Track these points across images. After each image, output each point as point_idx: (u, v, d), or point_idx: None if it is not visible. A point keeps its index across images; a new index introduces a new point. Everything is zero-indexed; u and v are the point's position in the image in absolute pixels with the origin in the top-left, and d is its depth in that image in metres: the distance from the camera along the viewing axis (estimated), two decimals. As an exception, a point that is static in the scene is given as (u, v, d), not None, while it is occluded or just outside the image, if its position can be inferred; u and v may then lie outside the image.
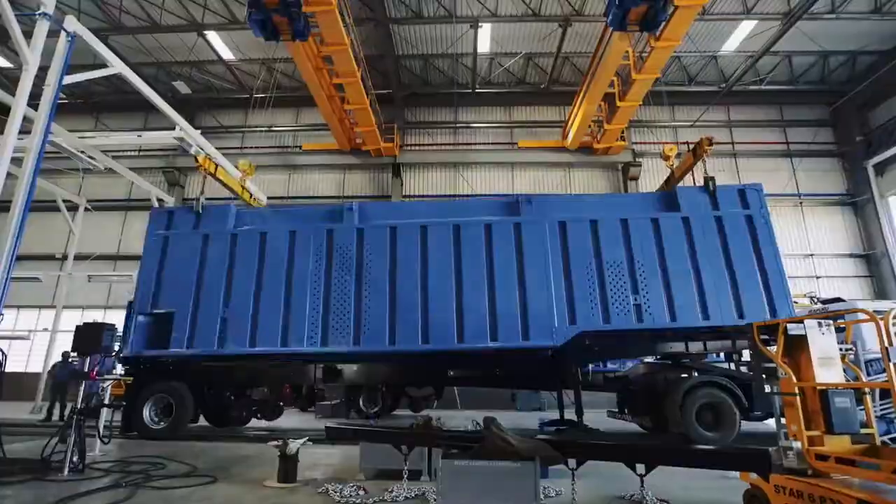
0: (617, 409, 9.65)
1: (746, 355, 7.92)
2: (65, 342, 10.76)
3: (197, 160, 12.00)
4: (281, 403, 10.80)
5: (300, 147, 19.25)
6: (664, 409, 7.80)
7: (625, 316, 7.95)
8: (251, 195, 15.06)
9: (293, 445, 5.10)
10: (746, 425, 8.13)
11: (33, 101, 7.68)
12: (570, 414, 8.79)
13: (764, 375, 4.07)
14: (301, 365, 8.46)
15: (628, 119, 16.27)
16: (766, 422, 11.08)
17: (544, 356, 7.97)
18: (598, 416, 12.82)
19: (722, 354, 8.92)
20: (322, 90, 14.74)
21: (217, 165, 12.67)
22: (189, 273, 8.71)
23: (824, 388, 3.66)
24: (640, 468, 4.02)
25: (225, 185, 13.33)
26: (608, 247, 8.31)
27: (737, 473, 5.02)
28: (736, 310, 7.90)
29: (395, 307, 8.26)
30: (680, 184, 12.64)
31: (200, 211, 9.15)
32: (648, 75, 13.50)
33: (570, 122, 17.10)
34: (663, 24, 11.74)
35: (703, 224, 8.36)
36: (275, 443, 5.23)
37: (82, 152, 12.12)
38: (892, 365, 3.25)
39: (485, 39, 16.35)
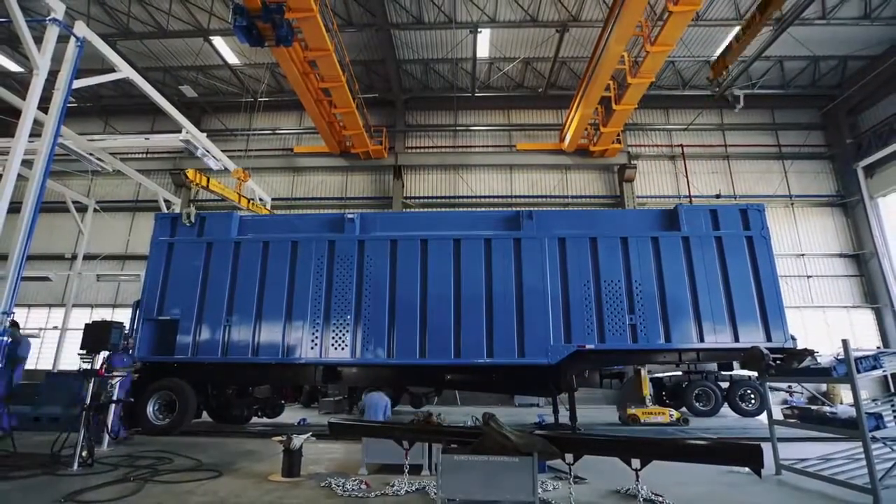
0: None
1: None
2: (74, 340, 10.76)
3: (187, 175, 12.02)
4: (283, 401, 10.77)
5: (304, 149, 19.28)
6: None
7: (620, 336, 7.94)
8: (250, 200, 15.10)
9: (297, 441, 5.10)
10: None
11: (44, 104, 7.68)
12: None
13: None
14: (302, 367, 8.48)
15: (624, 122, 16.27)
16: (757, 417, 11.13)
17: (539, 365, 8.00)
18: (597, 411, 12.84)
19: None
20: (309, 94, 14.69)
21: (209, 178, 12.72)
22: (193, 280, 8.70)
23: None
24: (636, 463, 4.03)
25: (219, 193, 13.35)
26: (607, 265, 8.25)
27: (736, 468, 5.04)
28: (732, 333, 7.88)
29: (395, 320, 8.26)
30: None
31: (188, 223, 8.98)
32: (643, 79, 13.51)
33: (567, 125, 17.09)
34: (659, 29, 11.69)
35: (702, 244, 8.29)
36: (279, 438, 5.23)
37: (91, 154, 12.12)
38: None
39: (484, 44, 16.34)
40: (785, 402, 13.51)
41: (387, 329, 8.21)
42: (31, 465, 5.38)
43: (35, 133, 7.65)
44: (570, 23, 15.17)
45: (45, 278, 15.25)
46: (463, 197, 18.28)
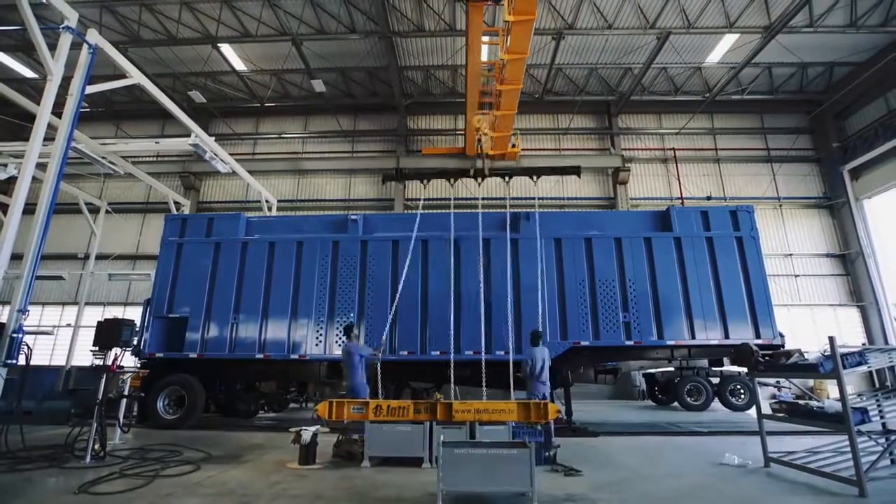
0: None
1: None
2: (87, 337, 10.75)
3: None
4: (288, 396, 10.73)
5: (309, 153, 19.29)
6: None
7: (614, 333, 7.98)
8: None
9: (306, 435, 5.17)
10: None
11: (57, 109, 7.68)
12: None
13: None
14: (307, 363, 8.48)
15: (510, 127, 15.66)
16: (747, 412, 11.13)
17: None
18: (595, 406, 12.85)
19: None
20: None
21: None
22: (202, 279, 8.72)
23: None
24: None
25: None
26: (601, 265, 8.28)
27: (726, 460, 5.04)
28: (722, 330, 7.91)
29: (396, 318, 8.24)
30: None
31: None
32: (511, 86, 13.25)
33: (465, 131, 16.72)
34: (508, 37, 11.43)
35: (694, 245, 8.33)
36: (296, 429, 5.34)
37: (103, 158, 12.11)
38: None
39: (483, 51, 16.29)
40: (773, 397, 13.53)
41: (388, 326, 8.21)
42: (46, 457, 5.39)
43: (49, 137, 7.64)
44: (565, 30, 15.15)
45: (59, 277, 15.24)
46: (463, 199, 18.26)
